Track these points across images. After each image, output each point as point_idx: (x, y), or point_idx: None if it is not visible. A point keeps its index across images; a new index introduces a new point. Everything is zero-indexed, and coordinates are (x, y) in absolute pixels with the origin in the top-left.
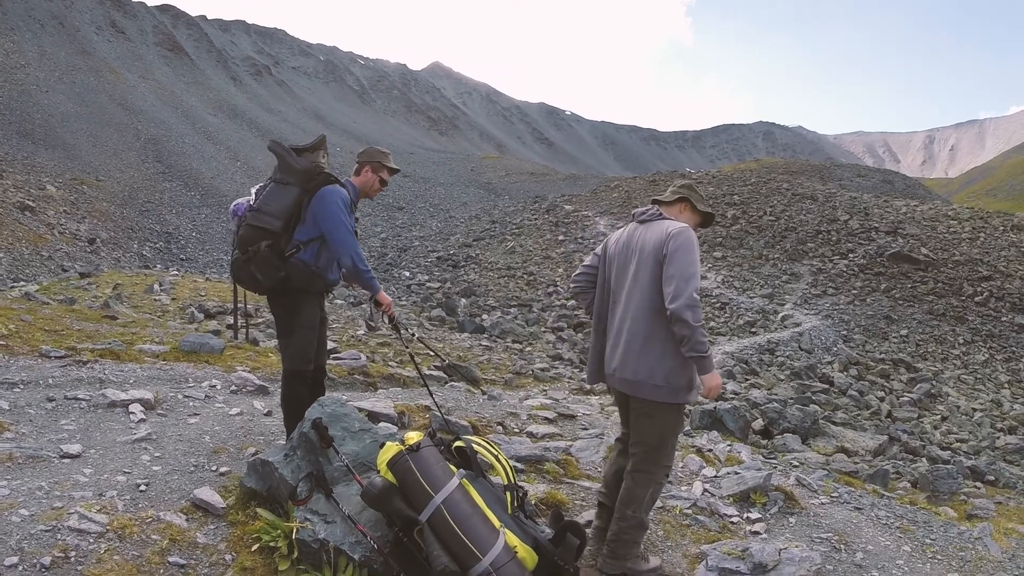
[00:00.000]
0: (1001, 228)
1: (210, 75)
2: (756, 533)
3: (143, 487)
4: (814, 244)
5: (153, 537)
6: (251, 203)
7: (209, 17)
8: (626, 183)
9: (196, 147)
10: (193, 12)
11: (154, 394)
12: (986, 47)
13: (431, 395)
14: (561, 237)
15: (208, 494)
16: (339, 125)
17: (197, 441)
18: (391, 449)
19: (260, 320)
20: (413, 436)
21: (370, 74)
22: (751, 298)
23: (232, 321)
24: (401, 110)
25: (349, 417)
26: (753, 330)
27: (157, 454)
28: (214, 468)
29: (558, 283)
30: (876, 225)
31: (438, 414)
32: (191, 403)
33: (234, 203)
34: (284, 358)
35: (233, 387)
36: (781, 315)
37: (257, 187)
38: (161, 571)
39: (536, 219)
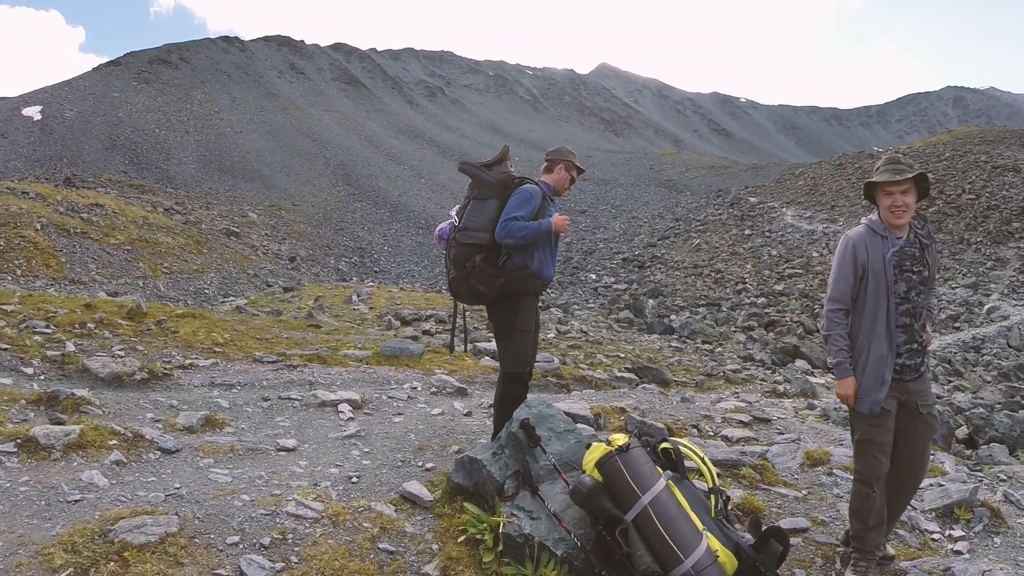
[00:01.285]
0: None
1: (387, 101)
2: (959, 552)
3: (354, 479)
4: (1020, 224)
5: (364, 525)
6: (455, 224)
7: (379, 49)
8: (811, 169)
9: (382, 168)
10: (363, 47)
11: (360, 395)
12: None
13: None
14: (748, 231)
15: (416, 487)
16: (515, 135)
17: (403, 438)
18: (599, 449)
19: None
20: (620, 437)
21: (539, 83)
22: (953, 288)
23: (451, 335)
24: (574, 115)
25: (555, 418)
26: (956, 325)
27: (366, 449)
28: (420, 464)
29: (747, 280)
30: None
31: (634, 416)
32: (395, 403)
33: (438, 228)
34: (503, 361)
35: (433, 389)
36: (987, 307)
37: (456, 208)
38: (371, 556)
39: (720, 214)
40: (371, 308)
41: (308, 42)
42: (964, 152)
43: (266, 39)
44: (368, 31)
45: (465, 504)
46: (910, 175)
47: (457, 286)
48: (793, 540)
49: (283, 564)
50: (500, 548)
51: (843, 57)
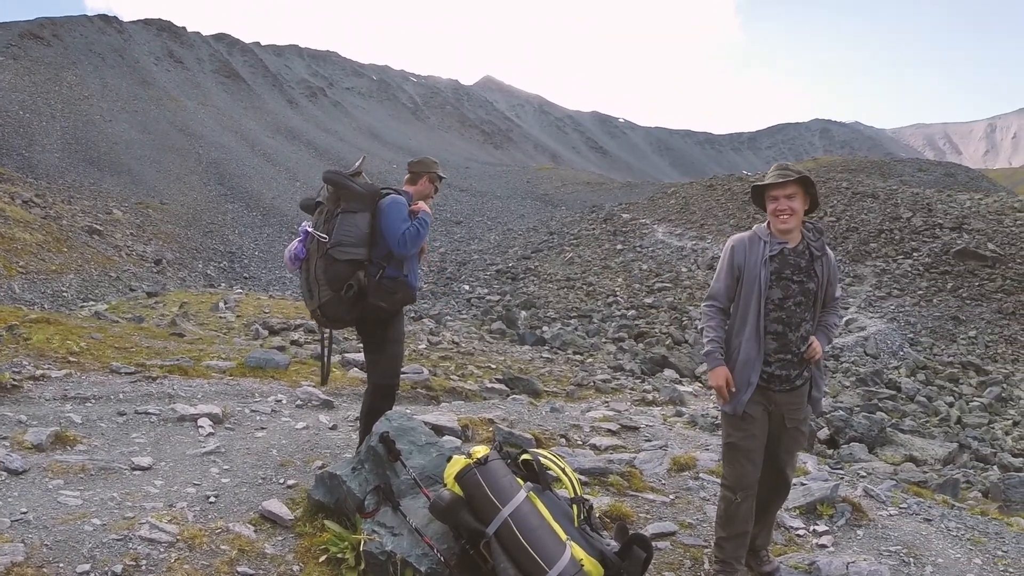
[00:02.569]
0: None
1: (266, 99)
2: (823, 546)
3: (212, 499)
4: (877, 244)
5: (222, 547)
6: (321, 240)
7: (263, 43)
8: (683, 189)
9: (256, 169)
10: (247, 39)
11: (222, 409)
12: None
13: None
14: (620, 246)
15: (276, 506)
16: (394, 142)
17: (264, 454)
18: (459, 462)
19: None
20: (480, 449)
21: (423, 91)
22: None
23: (325, 367)
24: (455, 125)
25: (416, 431)
26: None
27: (226, 467)
28: (281, 481)
29: (618, 293)
30: (940, 221)
31: (502, 427)
32: (258, 417)
33: (290, 249)
34: (374, 373)
35: (299, 402)
36: (845, 319)
37: (310, 224)
38: None
39: (594, 229)
40: (238, 316)
41: (190, 29)
42: (828, 179)
43: (146, 22)
44: (254, 24)
45: (326, 522)
46: (794, 178)
47: (335, 308)
48: (661, 544)
49: None
50: (362, 567)
51: (720, 86)
